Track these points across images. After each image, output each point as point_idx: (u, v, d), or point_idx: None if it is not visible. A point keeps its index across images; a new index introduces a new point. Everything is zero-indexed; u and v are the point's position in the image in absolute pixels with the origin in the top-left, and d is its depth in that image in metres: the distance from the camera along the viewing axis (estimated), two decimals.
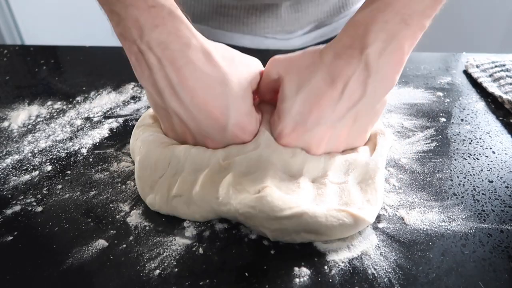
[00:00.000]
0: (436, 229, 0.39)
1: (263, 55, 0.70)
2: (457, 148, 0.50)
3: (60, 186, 0.44)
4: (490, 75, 0.63)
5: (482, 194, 0.43)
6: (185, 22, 0.36)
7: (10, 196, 0.43)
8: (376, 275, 0.34)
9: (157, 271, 0.35)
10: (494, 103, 0.59)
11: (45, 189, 0.43)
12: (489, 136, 0.52)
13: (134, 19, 0.34)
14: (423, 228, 0.39)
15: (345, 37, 0.37)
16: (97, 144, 0.50)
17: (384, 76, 0.37)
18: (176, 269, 0.35)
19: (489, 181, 0.45)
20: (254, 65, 0.43)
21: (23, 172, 0.46)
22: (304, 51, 0.40)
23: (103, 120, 0.55)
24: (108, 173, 0.46)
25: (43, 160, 0.48)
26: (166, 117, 0.41)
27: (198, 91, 0.37)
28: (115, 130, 0.53)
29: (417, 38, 0.36)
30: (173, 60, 0.35)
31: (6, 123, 0.54)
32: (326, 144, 0.41)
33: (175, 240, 0.38)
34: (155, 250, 0.37)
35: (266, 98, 0.45)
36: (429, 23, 0.36)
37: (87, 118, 0.55)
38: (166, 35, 0.35)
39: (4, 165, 0.47)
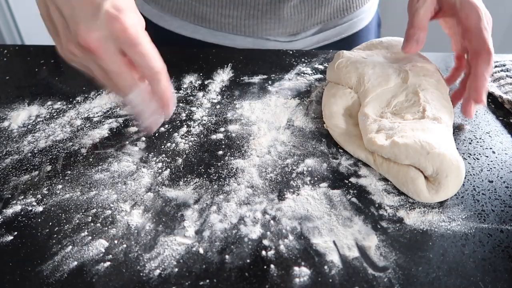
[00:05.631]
0: (436, 229, 0.39)
1: (265, 55, 0.70)
2: (457, 148, 0.50)
3: (60, 186, 0.44)
4: (490, 75, 0.63)
5: (482, 194, 0.43)
6: None
7: (10, 196, 0.43)
8: (376, 275, 0.34)
9: (157, 271, 0.35)
10: (494, 103, 0.59)
11: (45, 189, 0.43)
12: (489, 136, 0.52)
13: None
14: (423, 228, 0.39)
15: None
16: (97, 144, 0.50)
17: None
18: (176, 269, 0.35)
19: (489, 181, 0.45)
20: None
21: (23, 172, 0.46)
22: None
23: (103, 120, 0.55)
24: (108, 173, 0.46)
25: (43, 160, 0.48)
26: (49, 19, 0.40)
27: None
28: (115, 130, 0.53)
29: None
30: None
31: (6, 123, 0.54)
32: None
33: (175, 240, 0.38)
34: (155, 250, 0.37)
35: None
36: None
37: (87, 118, 0.55)
38: None
39: (4, 165, 0.47)
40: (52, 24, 0.40)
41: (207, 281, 0.34)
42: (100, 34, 0.37)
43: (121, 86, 0.40)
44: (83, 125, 0.54)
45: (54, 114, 0.56)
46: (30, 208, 0.41)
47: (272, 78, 0.63)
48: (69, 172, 0.46)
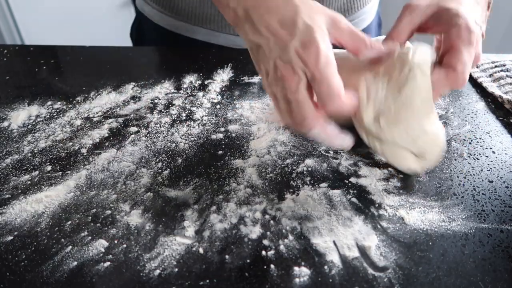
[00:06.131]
0: (436, 229, 0.39)
1: None
2: (457, 148, 0.50)
3: (60, 186, 0.44)
4: (490, 75, 0.63)
5: (482, 194, 0.43)
6: None
7: (10, 196, 0.43)
8: (376, 275, 0.34)
9: (157, 271, 0.35)
10: (494, 103, 0.59)
11: (45, 189, 0.43)
12: (489, 136, 0.52)
13: None
14: (423, 228, 0.39)
15: None
16: (97, 144, 0.50)
17: None
18: (176, 269, 0.35)
19: (489, 181, 0.45)
20: (333, 12, 0.41)
21: (23, 172, 0.46)
22: None
23: (103, 120, 0.55)
24: (108, 173, 0.46)
25: (43, 160, 0.48)
26: (254, 56, 0.42)
27: (271, 20, 0.39)
28: (115, 130, 0.53)
29: None
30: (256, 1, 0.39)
31: (6, 123, 0.54)
32: None
33: (175, 240, 0.38)
34: (155, 250, 0.37)
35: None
36: None
37: (87, 118, 0.55)
38: None
39: (4, 165, 0.47)
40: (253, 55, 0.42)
41: (207, 281, 0.34)
42: (291, 65, 0.38)
43: (300, 120, 0.39)
44: (83, 125, 0.54)
45: (54, 114, 0.56)
46: (30, 208, 0.41)
47: None
48: (69, 172, 0.46)
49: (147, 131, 0.52)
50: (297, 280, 0.34)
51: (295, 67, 0.38)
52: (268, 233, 0.38)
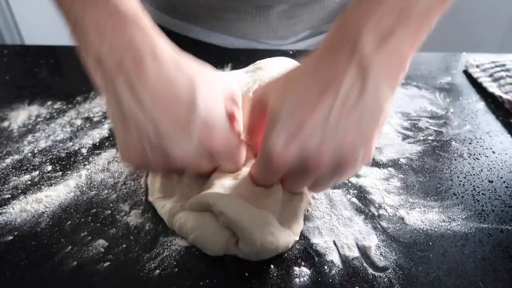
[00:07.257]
0: (436, 229, 0.39)
1: (265, 55, 0.70)
2: (457, 148, 0.50)
3: (60, 186, 0.44)
4: (490, 75, 0.63)
5: (482, 194, 0.43)
6: (150, 30, 0.34)
7: (10, 196, 0.43)
8: (376, 275, 0.34)
9: (157, 271, 0.35)
10: (494, 103, 0.59)
11: (45, 189, 0.43)
12: (489, 136, 0.52)
13: (94, 25, 0.33)
14: (423, 228, 0.39)
15: (333, 37, 0.33)
16: (97, 144, 0.50)
17: (382, 79, 0.32)
18: (176, 269, 0.35)
19: (489, 181, 0.45)
20: (229, 84, 0.40)
21: (23, 172, 0.46)
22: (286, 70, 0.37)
23: (103, 120, 0.55)
24: (108, 173, 0.46)
25: (43, 160, 0.48)
26: (123, 131, 0.35)
27: (160, 92, 0.33)
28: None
29: (420, 38, 0.32)
30: (136, 62, 0.33)
31: (6, 123, 0.54)
32: (331, 153, 0.33)
33: (175, 240, 0.38)
34: (155, 250, 0.37)
35: (257, 140, 0.40)
36: (434, 22, 0.32)
37: (87, 118, 0.55)
38: (128, 40, 0.33)
39: (4, 165, 0.47)
40: (125, 130, 0.35)
41: (207, 281, 0.34)
42: (192, 153, 0.34)
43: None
44: (83, 125, 0.54)
45: (54, 114, 0.56)
46: (30, 208, 0.41)
47: None
48: (69, 172, 0.46)
49: None
50: (297, 280, 0.34)
51: (197, 154, 0.35)
52: None
